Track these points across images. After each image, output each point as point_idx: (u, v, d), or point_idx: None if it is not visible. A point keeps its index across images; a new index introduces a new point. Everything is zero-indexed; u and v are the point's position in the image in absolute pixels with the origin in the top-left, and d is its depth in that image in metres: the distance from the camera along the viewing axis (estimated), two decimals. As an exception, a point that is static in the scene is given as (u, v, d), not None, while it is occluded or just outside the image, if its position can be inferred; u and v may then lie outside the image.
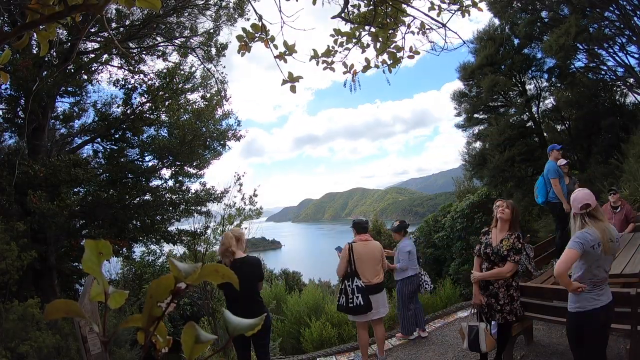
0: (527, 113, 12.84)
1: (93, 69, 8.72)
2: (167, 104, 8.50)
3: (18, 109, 7.76)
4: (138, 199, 8.63)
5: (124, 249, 8.65)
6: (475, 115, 13.84)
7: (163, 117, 8.88)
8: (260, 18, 2.08)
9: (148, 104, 8.63)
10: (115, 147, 9.08)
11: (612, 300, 2.46)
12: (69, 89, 8.47)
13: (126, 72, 9.00)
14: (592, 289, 2.43)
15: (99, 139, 8.93)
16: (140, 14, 8.15)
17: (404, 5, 2.20)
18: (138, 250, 9.26)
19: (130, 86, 8.86)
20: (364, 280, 4.00)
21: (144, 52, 8.96)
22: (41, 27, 1.08)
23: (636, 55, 10.74)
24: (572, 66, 12.00)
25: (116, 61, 8.88)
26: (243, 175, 7.69)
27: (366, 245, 4.14)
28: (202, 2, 8.52)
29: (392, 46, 2.30)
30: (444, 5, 2.25)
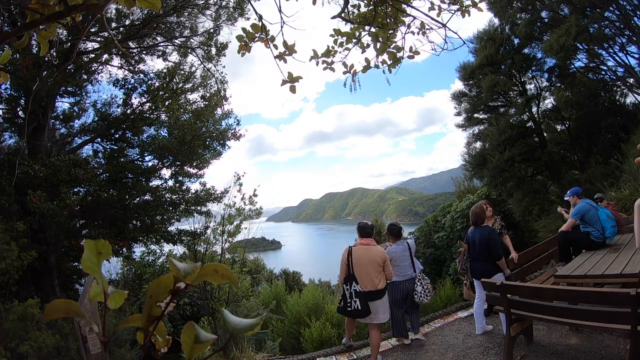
0: (527, 113, 12.84)
1: (93, 69, 8.73)
2: (167, 104, 8.50)
3: (18, 109, 7.76)
4: (138, 199, 8.63)
5: (124, 249, 8.65)
6: (475, 115, 13.86)
7: (163, 117, 8.89)
8: (260, 18, 2.08)
9: (148, 104, 8.63)
10: (115, 147, 9.08)
11: None
12: (69, 89, 8.47)
13: (126, 72, 9.01)
14: None
15: (99, 139, 8.94)
16: (140, 13, 8.15)
17: (404, 5, 2.20)
18: (138, 250, 9.26)
19: (130, 86, 8.87)
20: (361, 285, 3.93)
21: (144, 52, 8.96)
22: (41, 27, 1.08)
23: (636, 55, 10.75)
24: (572, 66, 12.01)
25: (116, 61, 8.90)
26: (243, 175, 7.68)
27: (366, 250, 4.02)
28: (202, 1, 8.52)
29: (392, 46, 2.30)
30: (444, 6, 2.25)
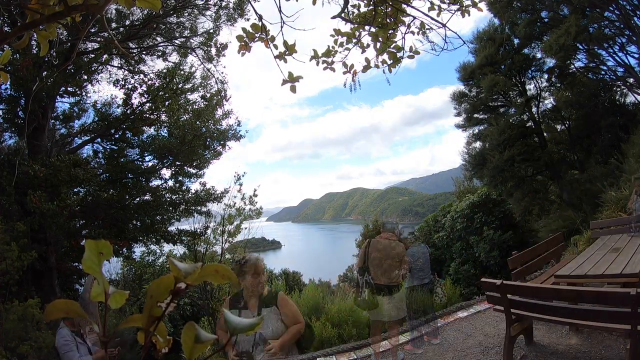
0: (527, 113, 12.84)
1: (93, 69, 8.72)
2: (167, 104, 8.50)
3: (18, 109, 7.76)
4: (138, 199, 8.63)
5: (124, 249, 8.65)
6: (475, 115, 13.85)
7: (163, 117, 8.88)
8: (260, 18, 2.08)
9: (148, 104, 8.62)
10: (115, 147, 9.08)
11: None
12: (69, 89, 8.47)
13: (126, 72, 9.00)
14: None
15: (99, 139, 8.93)
16: (140, 14, 8.15)
17: (404, 5, 2.20)
18: (138, 250, 9.26)
19: (130, 86, 8.85)
20: (374, 277, 3.94)
21: (144, 52, 8.96)
22: (41, 27, 1.08)
23: (636, 55, 10.75)
24: (572, 66, 12.01)
25: (116, 61, 8.89)
26: (243, 175, 7.69)
27: (385, 244, 4.03)
28: (202, 2, 8.52)
29: (392, 46, 2.30)
30: (444, 5, 2.24)
